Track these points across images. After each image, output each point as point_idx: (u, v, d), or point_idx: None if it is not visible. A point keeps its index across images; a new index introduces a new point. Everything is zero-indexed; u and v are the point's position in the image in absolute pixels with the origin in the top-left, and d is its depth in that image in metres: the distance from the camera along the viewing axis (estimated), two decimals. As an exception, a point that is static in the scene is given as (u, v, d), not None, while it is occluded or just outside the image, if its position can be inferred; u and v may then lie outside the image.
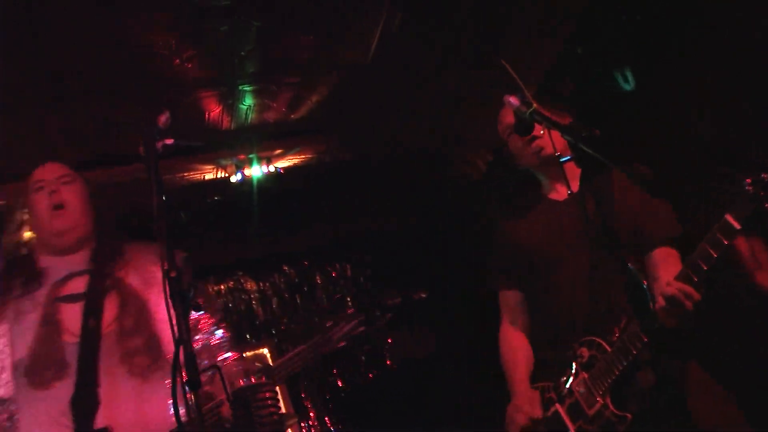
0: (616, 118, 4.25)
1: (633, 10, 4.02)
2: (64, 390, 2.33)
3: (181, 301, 1.84)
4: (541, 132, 2.59)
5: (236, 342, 2.72)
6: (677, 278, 2.27)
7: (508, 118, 2.73)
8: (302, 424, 5.06)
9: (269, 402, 2.12)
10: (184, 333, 1.81)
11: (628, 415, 2.34)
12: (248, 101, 4.53)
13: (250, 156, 5.06)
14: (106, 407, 2.30)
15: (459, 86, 4.76)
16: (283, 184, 5.37)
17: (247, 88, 4.40)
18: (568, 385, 2.52)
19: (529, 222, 2.82)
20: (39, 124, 4.26)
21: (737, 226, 2.15)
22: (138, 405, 2.35)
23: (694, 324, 2.31)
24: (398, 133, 5.20)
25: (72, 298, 2.50)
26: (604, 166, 2.32)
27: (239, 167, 5.10)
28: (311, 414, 5.05)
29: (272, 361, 2.43)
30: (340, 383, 5.66)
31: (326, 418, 5.33)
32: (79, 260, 2.60)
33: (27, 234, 2.69)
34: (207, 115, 4.60)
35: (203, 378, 2.54)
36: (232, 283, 5.84)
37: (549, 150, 2.58)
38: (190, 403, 2.18)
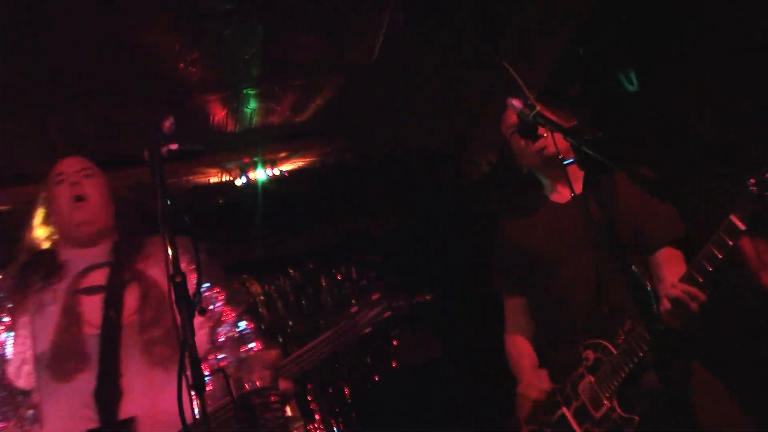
0: (616, 118, 4.25)
1: (633, 10, 4.03)
2: (86, 382, 2.32)
3: (187, 306, 1.84)
4: (545, 135, 2.58)
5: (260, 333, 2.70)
6: (682, 280, 2.27)
7: (512, 118, 2.73)
8: (308, 427, 5.05)
9: (274, 406, 2.11)
10: (189, 337, 1.80)
11: (636, 418, 2.34)
12: (252, 104, 4.53)
13: (255, 159, 5.06)
14: (129, 398, 2.30)
15: (460, 86, 4.76)
16: (288, 186, 5.38)
17: (251, 92, 4.40)
18: (574, 388, 2.51)
19: (531, 224, 2.81)
20: (39, 126, 4.27)
21: (742, 227, 2.15)
22: (160, 395, 2.32)
23: (699, 325, 2.31)
24: (399, 134, 5.21)
25: (92, 290, 2.49)
26: (607, 169, 2.32)
27: (244, 170, 5.11)
28: (317, 417, 5.05)
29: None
30: (345, 386, 5.66)
31: (332, 421, 5.33)
32: (99, 253, 2.59)
33: (43, 231, 2.68)
34: (212, 119, 4.60)
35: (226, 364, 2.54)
36: (236, 285, 5.83)
37: (552, 149, 2.58)
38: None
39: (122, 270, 2.51)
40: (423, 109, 4.93)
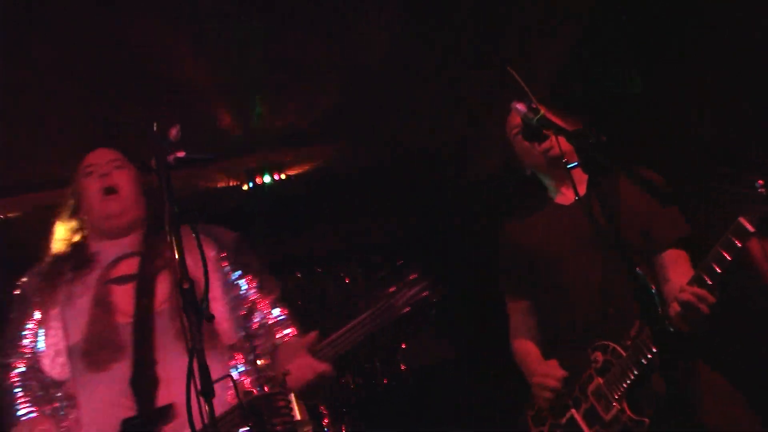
0: (616, 118, 4.25)
1: (633, 10, 4.03)
2: (122, 371, 2.32)
3: (195, 312, 1.84)
4: (550, 136, 2.58)
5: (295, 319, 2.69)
6: (691, 282, 2.27)
7: (516, 119, 2.72)
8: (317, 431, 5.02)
9: (282, 411, 2.10)
10: (198, 343, 1.80)
11: (646, 420, 2.34)
12: (255, 108, 4.53)
13: (261, 163, 5.07)
14: (165, 385, 2.29)
15: (460, 86, 4.76)
16: (294, 190, 5.38)
17: (253, 94, 4.41)
18: (583, 390, 2.51)
19: (534, 226, 2.81)
20: (44, 130, 4.27)
21: (751, 228, 2.15)
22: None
23: (708, 327, 2.31)
24: (399, 134, 5.20)
25: (124, 279, 2.49)
26: (612, 171, 2.33)
27: (250, 175, 5.11)
28: (326, 420, 5.04)
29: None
30: (354, 389, 5.65)
31: (341, 425, 5.32)
32: (130, 243, 2.58)
33: (73, 223, 2.66)
34: (218, 124, 4.60)
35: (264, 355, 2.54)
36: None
37: (556, 151, 2.59)
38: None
39: (153, 259, 2.49)
40: (423, 109, 4.93)
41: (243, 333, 2.55)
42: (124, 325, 2.39)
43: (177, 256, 1.93)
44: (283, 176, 5.20)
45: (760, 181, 2.15)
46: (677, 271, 2.49)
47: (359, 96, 4.63)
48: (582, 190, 2.51)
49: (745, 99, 3.70)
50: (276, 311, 2.62)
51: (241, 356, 2.51)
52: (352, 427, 5.43)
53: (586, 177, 2.35)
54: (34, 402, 2.43)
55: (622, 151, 2.19)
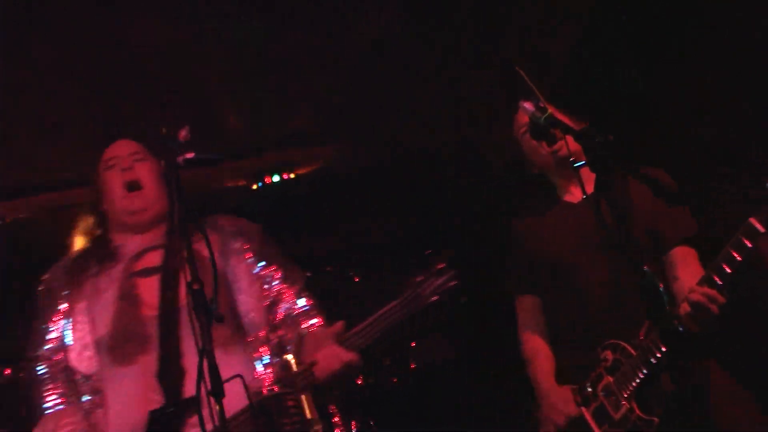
0: (616, 118, 4.25)
1: (633, 10, 4.03)
2: (148, 363, 2.31)
3: (205, 313, 1.84)
4: (560, 137, 2.58)
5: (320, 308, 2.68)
6: (701, 282, 2.27)
7: (523, 118, 2.73)
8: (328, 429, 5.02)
9: (292, 411, 2.10)
10: (208, 344, 1.80)
11: (655, 419, 2.34)
12: (264, 110, 4.54)
13: (259, 165, 5.07)
14: (191, 378, 2.23)
15: (460, 86, 4.76)
16: (300, 190, 5.38)
17: (253, 97, 4.41)
18: (593, 389, 2.51)
19: (544, 225, 2.80)
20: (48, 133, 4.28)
21: (762, 229, 2.15)
22: (223, 375, 2.33)
23: (718, 327, 2.31)
24: (403, 134, 5.20)
25: (148, 272, 2.48)
26: (619, 170, 2.33)
27: (259, 175, 5.12)
28: (336, 419, 5.02)
29: (296, 368, 2.37)
30: (364, 387, 5.63)
31: (352, 423, 5.30)
32: (153, 237, 2.58)
33: (95, 217, 2.66)
34: (217, 124, 4.60)
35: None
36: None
37: (565, 151, 2.59)
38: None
39: (178, 250, 2.47)
40: (423, 109, 4.92)
41: (268, 324, 2.54)
42: (149, 318, 2.39)
43: (190, 261, 1.94)
44: (276, 178, 5.20)
45: None
46: (686, 269, 2.50)
47: (359, 96, 4.63)
48: (590, 188, 2.50)
49: (745, 99, 3.70)
50: (301, 301, 2.62)
51: (267, 348, 2.51)
52: (362, 425, 5.41)
53: (593, 176, 2.35)
54: (61, 395, 2.42)
55: (626, 151, 2.19)
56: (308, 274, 2.75)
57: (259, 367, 2.44)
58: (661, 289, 2.04)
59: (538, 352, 2.78)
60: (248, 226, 2.72)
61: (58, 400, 2.42)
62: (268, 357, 2.49)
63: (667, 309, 2.16)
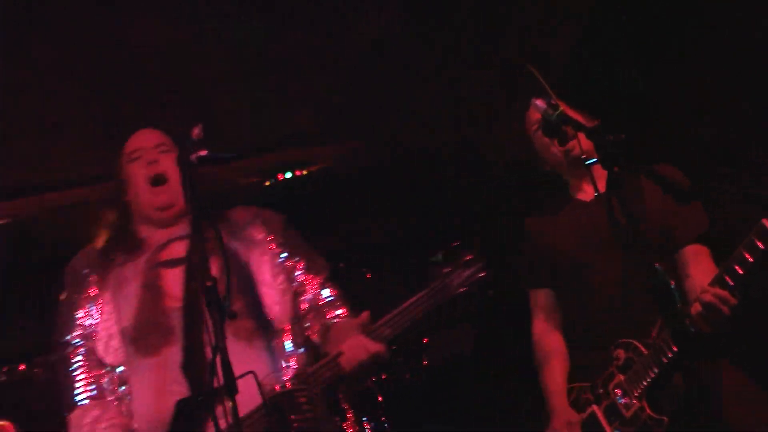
0: (616, 118, 4.25)
1: (633, 10, 4.03)
2: (173, 355, 2.30)
3: (218, 310, 1.83)
4: (574, 135, 2.58)
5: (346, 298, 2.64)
6: (713, 283, 2.27)
7: (535, 115, 2.73)
8: (343, 426, 5.00)
9: (304, 407, 2.09)
10: (221, 341, 1.80)
11: (665, 418, 2.34)
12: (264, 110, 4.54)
13: (269, 164, 5.07)
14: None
15: (462, 86, 4.76)
16: (294, 191, 5.38)
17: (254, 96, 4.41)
18: (605, 386, 2.52)
19: (557, 222, 2.81)
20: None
21: None
22: (245, 368, 2.27)
23: (729, 328, 2.30)
24: (403, 134, 5.20)
25: (173, 263, 2.46)
26: (631, 168, 2.33)
27: (272, 171, 5.12)
28: (348, 415, 5.01)
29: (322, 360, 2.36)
30: (377, 384, 5.61)
31: (364, 420, 5.29)
32: (178, 228, 2.56)
33: (119, 207, 2.63)
34: (216, 124, 4.60)
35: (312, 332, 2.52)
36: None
37: (578, 150, 2.59)
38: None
39: (202, 242, 2.43)
40: (423, 109, 4.92)
41: (293, 316, 2.53)
42: (173, 310, 2.37)
43: (201, 260, 1.95)
44: (305, 171, 5.22)
45: None
46: (698, 266, 2.51)
47: (359, 96, 4.63)
48: (602, 186, 2.50)
49: (745, 99, 3.70)
50: (326, 292, 2.60)
51: (291, 340, 2.49)
52: (376, 422, 5.40)
53: (605, 173, 2.36)
54: (94, 384, 2.42)
55: (627, 151, 2.19)
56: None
57: (283, 360, 2.43)
58: (672, 287, 2.03)
59: (551, 356, 2.76)
60: (271, 216, 2.70)
61: (95, 389, 2.41)
62: (293, 349, 2.48)
63: (679, 308, 2.16)
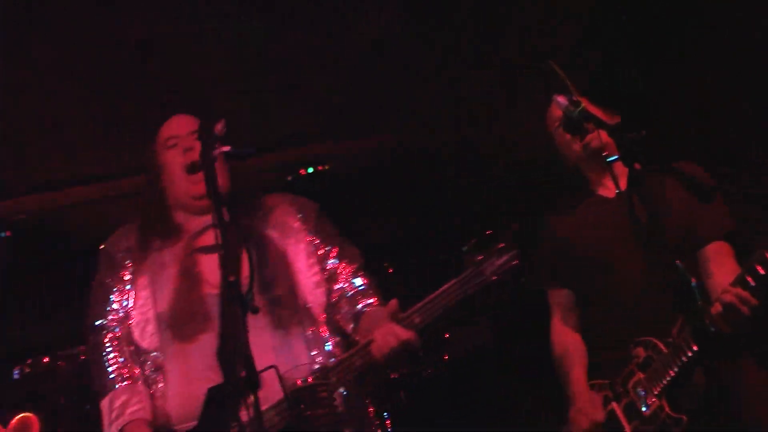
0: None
1: (633, 10, 4.03)
2: (209, 342, 2.27)
3: (240, 305, 1.83)
4: (592, 130, 2.58)
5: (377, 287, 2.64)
6: (734, 283, 2.26)
7: (556, 112, 2.72)
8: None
9: (325, 402, 2.08)
10: (243, 335, 1.80)
11: (684, 417, 2.33)
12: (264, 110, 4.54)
13: (269, 164, 5.08)
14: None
15: (462, 86, 4.75)
16: (313, 187, 5.38)
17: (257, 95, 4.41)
18: (624, 384, 2.51)
19: (578, 220, 2.80)
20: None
21: None
22: (282, 356, 2.30)
23: (750, 329, 2.30)
24: (403, 134, 5.20)
25: (210, 250, 2.44)
26: (653, 166, 2.34)
27: (272, 171, 5.13)
28: (370, 410, 5.02)
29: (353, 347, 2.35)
30: (397, 379, 5.58)
31: (384, 415, 5.27)
32: (214, 216, 2.56)
33: (157, 193, 2.62)
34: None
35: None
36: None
37: (597, 142, 2.59)
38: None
39: (239, 229, 2.43)
40: (423, 109, 4.92)
41: (327, 303, 2.53)
42: (210, 296, 2.37)
43: (227, 255, 1.94)
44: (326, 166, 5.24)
45: None
46: (721, 265, 2.51)
47: (359, 96, 4.63)
48: (623, 184, 2.51)
49: (745, 99, 3.70)
50: (358, 280, 2.59)
51: (326, 328, 2.50)
52: (396, 417, 5.37)
53: (626, 170, 2.36)
54: (127, 369, 2.42)
55: (659, 147, 2.19)
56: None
57: (319, 349, 2.44)
58: (693, 285, 2.03)
59: (570, 350, 2.76)
60: (305, 203, 2.71)
61: (126, 374, 2.41)
62: (328, 336, 2.49)
63: (699, 306, 2.15)
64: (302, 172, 5.29)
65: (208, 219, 2.51)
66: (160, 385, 2.38)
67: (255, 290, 2.33)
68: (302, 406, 2.02)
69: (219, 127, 2.17)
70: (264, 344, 2.30)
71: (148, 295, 2.45)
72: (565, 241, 2.79)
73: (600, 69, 4.33)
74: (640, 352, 2.49)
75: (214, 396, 2.19)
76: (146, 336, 2.43)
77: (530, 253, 2.88)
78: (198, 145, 2.48)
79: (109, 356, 2.44)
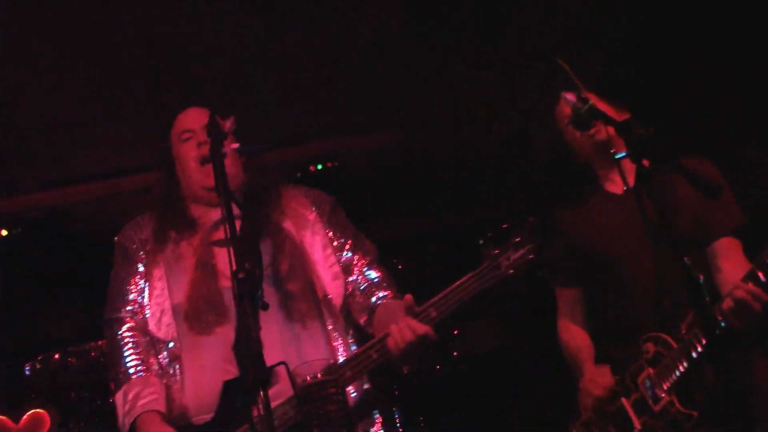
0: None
1: (633, 10, 4.03)
2: (226, 335, 2.28)
3: (251, 300, 1.83)
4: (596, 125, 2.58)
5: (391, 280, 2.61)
6: (745, 279, 2.27)
7: (566, 109, 2.73)
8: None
9: (334, 398, 2.08)
10: (254, 331, 1.80)
11: (695, 413, 2.33)
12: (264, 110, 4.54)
13: (282, 161, 5.08)
14: (267, 352, 2.13)
15: (462, 87, 4.75)
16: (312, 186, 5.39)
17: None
18: (633, 380, 2.51)
19: (588, 216, 2.81)
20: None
21: None
22: (298, 349, 2.29)
23: (761, 324, 2.30)
24: (404, 134, 5.20)
25: (226, 243, 2.36)
26: (662, 162, 2.34)
27: (305, 163, 5.14)
28: (380, 406, 5.02)
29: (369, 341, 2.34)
30: (406, 376, 5.57)
31: (394, 410, 5.25)
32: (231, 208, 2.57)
33: (172, 185, 2.62)
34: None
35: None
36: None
37: (603, 135, 2.59)
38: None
39: (255, 222, 2.45)
40: (423, 109, 4.93)
41: (342, 296, 2.52)
42: (227, 289, 2.34)
43: (236, 251, 1.94)
44: (337, 163, 5.24)
45: None
46: (730, 260, 2.51)
47: (359, 96, 4.63)
48: (631, 180, 2.50)
49: (745, 99, 3.70)
50: (372, 273, 2.57)
51: (342, 321, 2.49)
52: (406, 414, 5.35)
53: (634, 167, 2.36)
54: (143, 360, 2.41)
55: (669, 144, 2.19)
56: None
57: (336, 342, 2.43)
58: (701, 281, 2.03)
59: (579, 346, 2.79)
60: (321, 196, 2.70)
61: (141, 366, 2.40)
62: (345, 331, 2.48)
63: (709, 302, 2.15)
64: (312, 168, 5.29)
65: (223, 211, 2.54)
66: (178, 376, 2.37)
67: (270, 284, 2.36)
68: (311, 402, 2.02)
69: (229, 125, 2.18)
70: (283, 337, 2.31)
71: (164, 286, 2.45)
72: (575, 238, 2.80)
73: (600, 69, 4.33)
74: (650, 347, 2.48)
75: (230, 389, 2.23)
76: (162, 326, 2.42)
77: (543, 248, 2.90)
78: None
79: (125, 348, 2.44)
